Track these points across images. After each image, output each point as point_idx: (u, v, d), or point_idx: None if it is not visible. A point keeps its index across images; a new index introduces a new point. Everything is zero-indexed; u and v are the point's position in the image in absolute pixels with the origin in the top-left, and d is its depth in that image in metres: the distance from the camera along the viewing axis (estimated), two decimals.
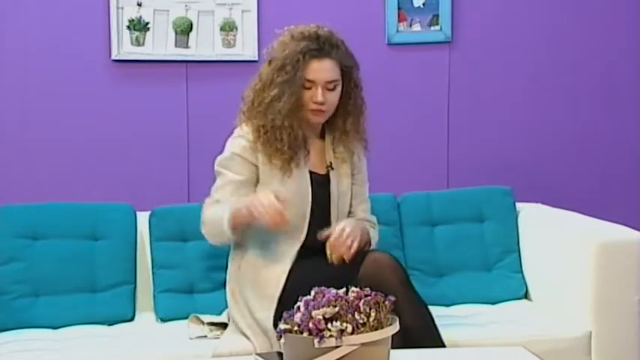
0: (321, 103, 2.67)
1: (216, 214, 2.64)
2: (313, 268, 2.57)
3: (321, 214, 2.73)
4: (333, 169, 2.78)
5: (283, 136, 2.66)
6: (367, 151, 2.85)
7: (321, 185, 2.75)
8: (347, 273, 2.47)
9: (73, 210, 3.09)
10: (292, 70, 2.64)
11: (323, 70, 2.66)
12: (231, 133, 2.77)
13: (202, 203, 2.76)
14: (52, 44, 3.41)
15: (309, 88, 2.67)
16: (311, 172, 2.74)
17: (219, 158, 2.77)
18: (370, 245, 2.75)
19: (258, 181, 2.72)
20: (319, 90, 2.66)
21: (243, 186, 2.70)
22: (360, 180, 2.85)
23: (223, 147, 2.78)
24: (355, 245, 2.57)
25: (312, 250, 2.66)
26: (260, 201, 2.52)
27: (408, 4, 3.62)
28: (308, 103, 2.68)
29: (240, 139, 2.72)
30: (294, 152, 2.68)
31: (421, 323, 2.54)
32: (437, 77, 3.69)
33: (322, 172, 2.77)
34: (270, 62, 2.69)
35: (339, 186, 2.77)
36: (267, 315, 2.59)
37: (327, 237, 2.60)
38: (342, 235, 2.58)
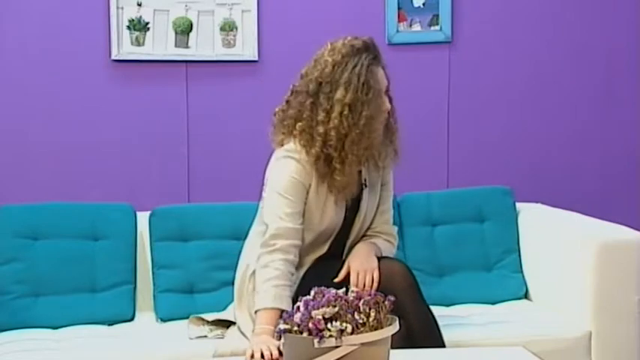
0: (389, 110, 2.66)
1: (263, 291, 2.50)
2: (325, 272, 2.59)
3: (344, 231, 2.72)
4: (367, 186, 2.73)
5: (373, 157, 2.64)
6: (398, 159, 2.78)
7: (353, 205, 2.72)
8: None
9: (73, 210, 3.09)
10: (375, 84, 2.60)
11: (383, 76, 2.66)
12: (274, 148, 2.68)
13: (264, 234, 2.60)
14: (52, 44, 3.40)
15: (381, 99, 2.64)
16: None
17: (276, 179, 2.62)
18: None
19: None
20: (385, 97, 2.65)
21: (301, 213, 2.62)
22: (386, 189, 2.81)
23: (267, 162, 2.68)
24: (375, 277, 2.55)
25: (326, 257, 2.68)
26: (266, 353, 2.35)
27: (408, 4, 3.62)
28: (384, 114, 2.65)
29: (296, 163, 2.61)
30: (356, 178, 2.63)
31: (426, 328, 2.55)
32: (437, 77, 3.69)
33: (356, 191, 2.72)
34: (345, 86, 2.57)
35: (369, 203, 2.74)
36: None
37: (342, 280, 2.58)
38: (359, 281, 2.55)
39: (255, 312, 2.51)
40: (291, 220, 2.58)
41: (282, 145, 2.66)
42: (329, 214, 2.65)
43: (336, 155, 2.58)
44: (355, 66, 2.58)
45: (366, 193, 2.73)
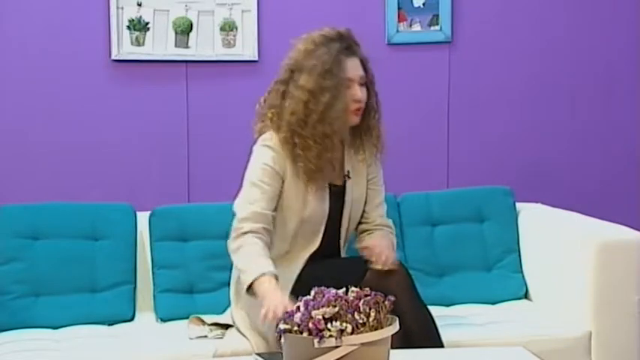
0: (361, 100, 2.65)
1: (246, 267, 2.52)
2: (321, 270, 2.58)
3: (333, 223, 2.73)
4: (350, 177, 2.75)
5: (334, 145, 2.63)
6: (383, 152, 2.79)
7: (336, 196, 2.72)
8: (354, 277, 2.47)
9: (73, 210, 3.09)
10: (338, 72, 2.60)
11: (356, 67, 2.65)
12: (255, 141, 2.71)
13: (234, 211, 2.63)
14: (52, 44, 3.41)
15: (348, 88, 2.64)
16: (329, 185, 2.71)
17: (250, 169, 2.67)
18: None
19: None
20: (357, 87, 2.64)
21: (274, 199, 2.64)
22: (375, 183, 2.82)
23: (248, 156, 2.72)
24: (391, 256, 2.59)
25: (321, 255, 2.68)
26: (273, 310, 2.32)
27: (408, 4, 3.62)
28: (350, 103, 2.64)
29: (267, 149, 2.65)
30: (325, 166, 2.64)
31: (423, 327, 2.55)
32: (437, 77, 3.69)
33: (339, 182, 2.74)
34: (309, 72, 2.59)
35: (354, 194, 2.75)
36: (270, 325, 2.59)
37: (365, 249, 2.63)
38: (381, 254, 2.59)
39: (247, 290, 2.48)
40: (260, 205, 2.60)
41: (261, 134, 2.70)
42: (310, 201, 2.65)
43: (299, 141, 2.60)
44: (324, 54, 2.60)
45: (349, 184, 2.74)
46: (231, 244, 2.60)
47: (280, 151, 2.64)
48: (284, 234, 2.68)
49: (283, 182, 2.65)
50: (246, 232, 2.57)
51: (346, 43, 2.64)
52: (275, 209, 2.65)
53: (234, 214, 2.64)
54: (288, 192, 2.66)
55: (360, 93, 2.64)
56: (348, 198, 2.74)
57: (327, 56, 2.60)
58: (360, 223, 2.81)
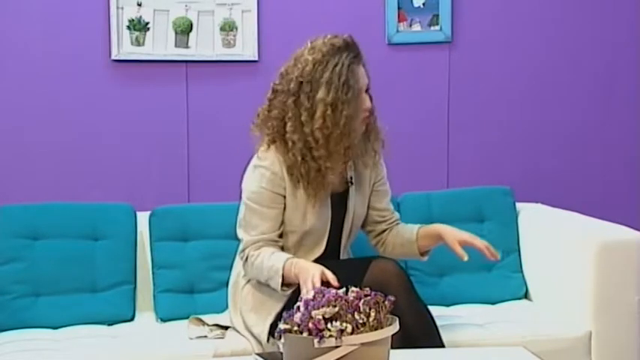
0: (370, 109, 2.65)
1: (271, 268, 2.56)
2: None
3: (336, 228, 2.73)
4: (352, 183, 2.74)
5: (348, 158, 2.63)
6: (384, 151, 2.80)
7: (339, 203, 2.72)
8: (352, 279, 2.47)
9: (73, 210, 3.09)
10: (355, 83, 2.59)
11: (364, 75, 2.64)
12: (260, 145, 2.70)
13: (243, 243, 2.66)
14: (52, 44, 3.40)
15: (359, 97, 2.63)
16: (331, 194, 2.70)
17: (248, 190, 2.66)
18: None
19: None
20: (365, 96, 2.64)
21: (277, 218, 2.64)
22: (383, 184, 2.83)
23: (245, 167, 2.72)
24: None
25: (322, 261, 2.67)
26: (312, 280, 2.40)
27: (408, 4, 3.62)
28: (362, 113, 2.64)
29: (264, 171, 2.63)
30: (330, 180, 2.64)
31: (423, 327, 2.55)
32: (437, 77, 3.69)
33: (341, 189, 2.73)
34: (327, 86, 2.56)
35: (357, 200, 2.75)
36: (262, 329, 2.61)
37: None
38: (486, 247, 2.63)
39: (283, 284, 2.53)
40: (260, 230, 2.62)
41: (259, 149, 2.67)
42: (311, 215, 2.65)
43: (324, 154, 2.58)
44: (336, 65, 2.57)
45: (352, 191, 2.74)
46: (248, 271, 2.64)
47: (277, 171, 2.62)
48: (287, 244, 2.69)
49: (285, 197, 2.65)
50: (260, 251, 2.60)
51: (354, 52, 2.63)
52: (281, 222, 2.65)
53: (238, 239, 2.66)
54: (288, 207, 2.65)
55: (368, 101, 2.65)
56: (350, 204, 2.73)
57: (341, 67, 2.57)
58: (377, 222, 2.82)
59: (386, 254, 2.77)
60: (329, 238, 2.71)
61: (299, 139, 2.58)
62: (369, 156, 2.75)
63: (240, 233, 2.67)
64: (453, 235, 2.66)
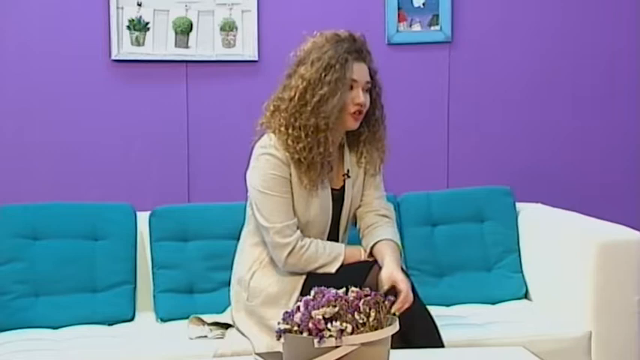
0: (362, 105, 2.65)
1: (330, 255, 2.61)
2: (326, 275, 2.59)
3: (335, 224, 2.74)
4: (349, 177, 2.75)
5: (327, 140, 2.61)
6: (380, 162, 2.79)
7: (337, 199, 2.73)
8: (354, 280, 2.47)
9: (73, 210, 3.09)
10: (341, 69, 2.59)
11: (363, 71, 2.65)
12: (258, 139, 2.69)
13: (275, 236, 2.61)
14: (52, 44, 3.41)
15: (351, 89, 2.63)
16: (331, 189, 2.71)
17: (258, 179, 2.64)
18: None
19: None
20: (360, 91, 2.64)
21: (291, 204, 2.65)
22: (371, 171, 2.80)
23: (250, 154, 2.70)
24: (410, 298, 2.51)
25: None
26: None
27: (408, 4, 3.62)
28: (349, 105, 2.63)
29: (270, 158, 2.63)
30: (322, 166, 2.63)
31: (423, 327, 2.55)
32: (437, 77, 3.69)
33: (339, 185, 2.74)
34: (311, 63, 2.59)
35: (353, 192, 2.76)
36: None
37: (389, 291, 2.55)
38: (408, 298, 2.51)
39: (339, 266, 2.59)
40: (286, 216, 2.61)
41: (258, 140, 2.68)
42: (314, 206, 2.65)
43: (291, 132, 2.59)
44: (329, 50, 2.60)
45: (349, 183, 2.74)
46: (293, 261, 2.61)
47: (281, 156, 2.62)
48: None
49: (291, 185, 2.65)
50: (296, 243, 2.60)
51: (356, 47, 2.64)
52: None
53: (264, 228, 2.62)
54: (294, 194, 2.65)
55: (362, 97, 2.64)
56: (347, 197, 2.74)
57: (333, 52, 2.60)
58: (359, 207, 2.80)
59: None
60: (330, 231, 2.71)
61: (283, 113, 2.62)
62: (372, 163, 2.76)
63: (265, 223, 2.62)
64: (388, 274, 2.53)
